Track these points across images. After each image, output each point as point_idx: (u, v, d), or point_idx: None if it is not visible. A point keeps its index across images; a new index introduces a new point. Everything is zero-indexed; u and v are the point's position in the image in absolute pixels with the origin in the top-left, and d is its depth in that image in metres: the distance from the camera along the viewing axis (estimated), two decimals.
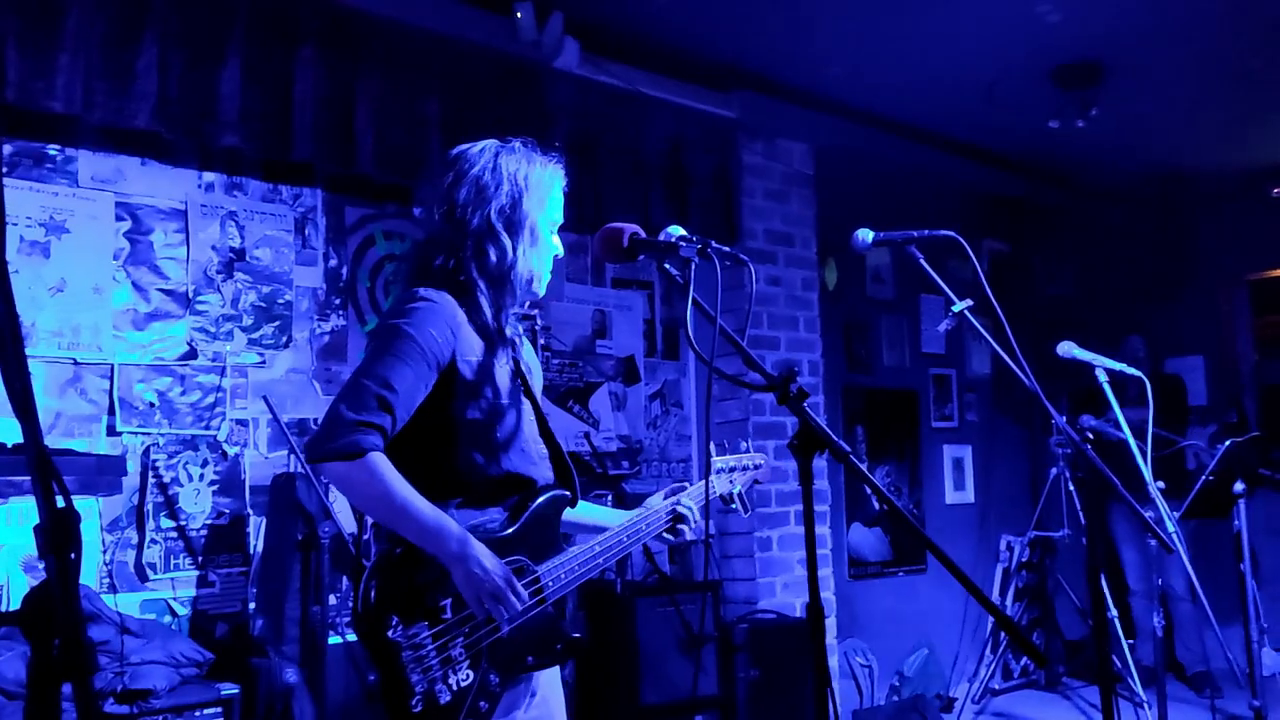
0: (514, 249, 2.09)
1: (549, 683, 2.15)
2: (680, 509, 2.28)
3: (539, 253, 2.16)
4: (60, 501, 1.17)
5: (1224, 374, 7.02)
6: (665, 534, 2.28)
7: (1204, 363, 7.08)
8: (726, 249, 2.03)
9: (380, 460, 1.90)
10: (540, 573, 2.06)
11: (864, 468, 1.80)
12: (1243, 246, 6.90)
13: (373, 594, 1.89)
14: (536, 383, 2.25)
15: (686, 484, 2.37)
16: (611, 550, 2.17)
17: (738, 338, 1.97)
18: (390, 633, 1.87)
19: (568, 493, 2.19)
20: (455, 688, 1.90)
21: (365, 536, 1.98)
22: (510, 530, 2.06)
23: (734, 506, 2.45)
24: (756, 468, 2.52)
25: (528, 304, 2.22)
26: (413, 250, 2.17)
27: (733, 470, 2.47)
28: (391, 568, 1.93)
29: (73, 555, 1.16)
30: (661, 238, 2.05)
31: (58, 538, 1.15)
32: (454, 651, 1.92)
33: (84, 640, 1.17)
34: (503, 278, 2.09)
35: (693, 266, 2.01)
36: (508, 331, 2.12)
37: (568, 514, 2.22)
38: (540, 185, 2.17)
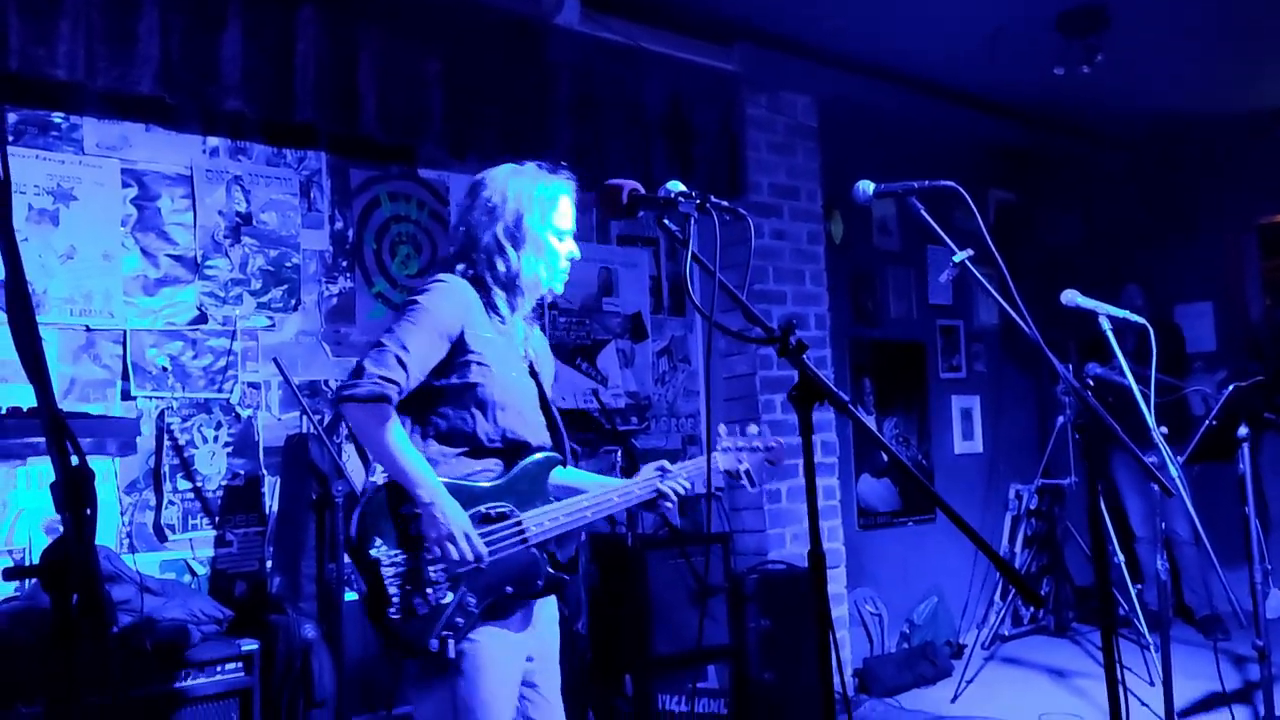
0: (518, 259, 2.42)
1: (547, 620, 2.49)
2: (663, 486, 2.55)
3: (545, 259, 2.46)
4: (74, 459, 1.21)
5: (1233, 319, 7.00)
6: (644, 507, 2.57)
7: (1213, 309, 7.05)
8: (725, 203, 2.06)
9: (387, 411, 2.22)
10: (523, 518, 2.35)
11: (868, 419, 1.84)
12: (1251, 191, 6.84)
13: (358, 519, 2.21)
14: (544, 369, 2.59)
15: (665, 463, 2.60)
16: (599, 507, 2.47)
17: (739, 292, 1.99)
18: (373, 551, 2.18)
19: (558, 456, 2.50)
20: (434, 603, 2.19)
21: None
22: (501, 480, 2.37)
23: (741, 482, 2.71)
24: (768, 449, 2.76)
25: (549, 296, 2.55)
26: (446, 258, 2.53)
27: (740, 449, 2.72)
28: (377, 500, 2.23)
29: (88, 510, 1.20)
30: (660, 193, 2.09)
31: (73, 494, 1.19)
32: (433, 575, 2.20)
33: (101, 593, 1.21)
34: (511, 283, 2.43)
35: (692, 222, 2.04)
36: (516, 322, 2.46)
37: (563, 479, 2.50)
38: (543, 201, 2.46)
